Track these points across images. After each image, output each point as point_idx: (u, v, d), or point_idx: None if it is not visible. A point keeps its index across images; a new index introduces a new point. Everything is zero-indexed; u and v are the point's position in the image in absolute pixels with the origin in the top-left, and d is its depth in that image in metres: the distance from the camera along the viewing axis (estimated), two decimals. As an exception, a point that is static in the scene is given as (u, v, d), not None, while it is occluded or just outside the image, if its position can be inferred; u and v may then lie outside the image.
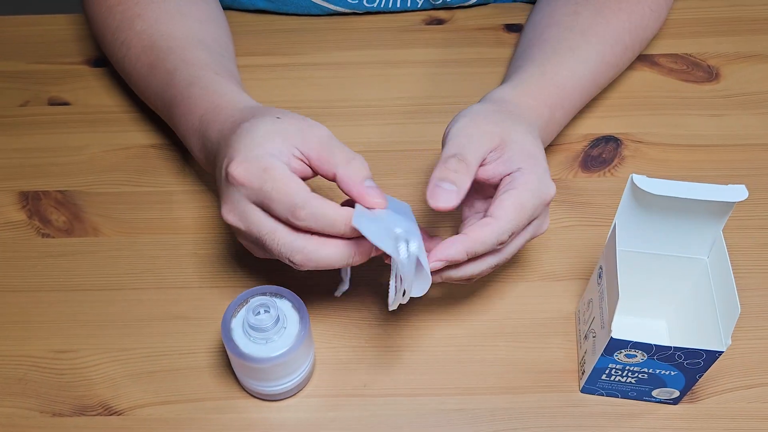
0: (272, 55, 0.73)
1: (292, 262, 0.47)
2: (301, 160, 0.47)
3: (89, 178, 0.64)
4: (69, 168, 0.65)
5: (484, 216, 0.48)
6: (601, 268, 0.51)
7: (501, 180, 0.50)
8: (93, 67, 0.73)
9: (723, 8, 0.77)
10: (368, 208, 0.47)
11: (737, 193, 0.47)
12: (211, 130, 0.52)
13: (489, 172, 0.50)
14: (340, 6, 0.74)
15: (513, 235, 0.48)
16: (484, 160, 0.50)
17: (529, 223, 0.50)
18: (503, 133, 0.51)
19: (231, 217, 0.48)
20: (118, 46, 0.63)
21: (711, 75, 0.71)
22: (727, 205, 0.47)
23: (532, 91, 0.58)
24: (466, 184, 0.48)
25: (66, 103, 0.70)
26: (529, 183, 0.49)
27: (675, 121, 0.68)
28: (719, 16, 0.76)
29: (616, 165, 0.65)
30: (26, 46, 0.74)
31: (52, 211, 0.62)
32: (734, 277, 0.47)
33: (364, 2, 0.74)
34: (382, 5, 0.75)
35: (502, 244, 0.48)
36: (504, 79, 0.62)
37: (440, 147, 0.67)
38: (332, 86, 0.71)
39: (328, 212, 0.45)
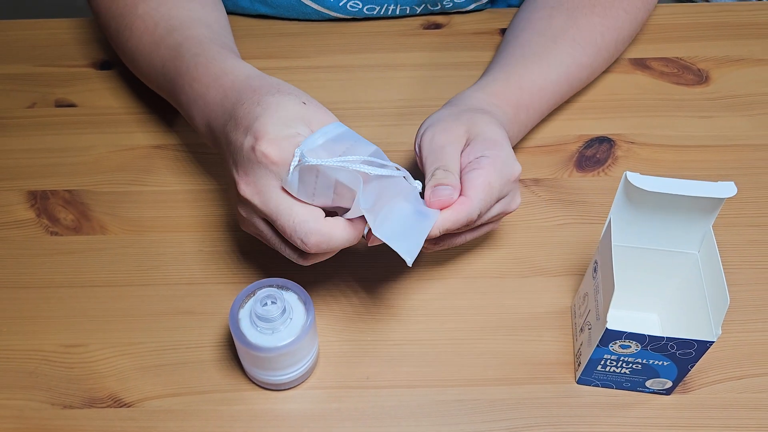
0: (275, 59, 0.75)
1: (304, 243, 0.47)
2: None
3: (96, 177, 0.66)
4: (76, 168, 0.67)
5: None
6: (596, 262, 0.53)
7: (467, 165, 0.53)
8: (99, 69, 0.74)
9: (711, 13, 0.79)
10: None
11: (726, 189, 0.49)
12: (225, 96, 0.53)
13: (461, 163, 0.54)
14: (340, 13, 0.76)
15: (481, 214, 0.52)
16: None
17: (497, 201, 0.54)
18: (468, 131, 0.55)
19: (248, 190, 0.48)
20: (121, 30, 0.64)
21: (701, 78, 0.74)
22: (717, 201, 0.49)
23: (496, 92, 0.61)
24: (457, 185, 0.52)
25: (72, 105, 0.71)
26: (496, 165, 0.52)
27: (666, 123, 0.70)
28: (708, 21, 0.78)
29: (609, 165, 0.67)
30: (33, 49, 0.76)
31: (60, 210, 0.64)
32: (724, 272, 0.49)
33: (364, 10, 0.76)
34: (381, 12, 0.77)
35: (472, 221, 0.52)
36: (476, 81, 0.64)
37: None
38: (334, 88, 0.73)
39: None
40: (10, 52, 0.76)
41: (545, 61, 0.64)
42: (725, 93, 0.72)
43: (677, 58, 0.75)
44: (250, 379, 0.54)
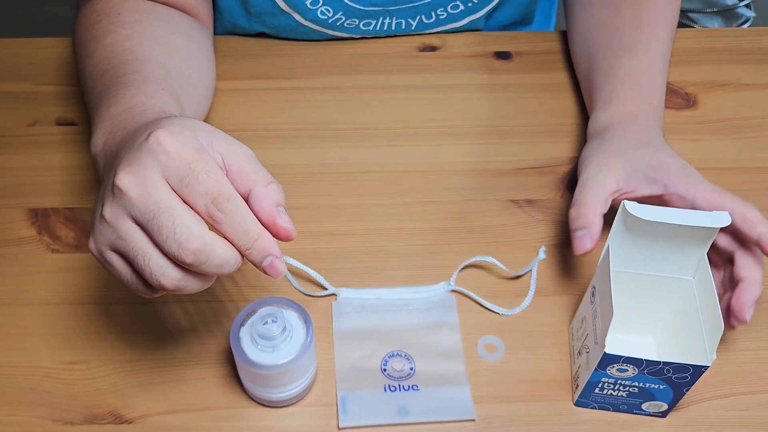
0: (272, 79, 0.76)
1: (181, 248, 0.40)
2: (221, 168, 0.43)
3: (96, 196, 0.67)
4: (77, 186, 0.67)
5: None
6: (594, 287, 0.54)
7: (664, 194, 0.57)
8: (99, 88, 0.75)
9: (699, 39, 0.81)
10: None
11: (720, 219, 0.50)
12: (133, 118, 0.50)
13: (645, 189, 0.57)
14: (337, 31, 0.78)
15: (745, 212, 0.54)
16: (622, 192, 0.57)
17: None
18: (624, 161, 0.58)
19: (128, 179, 0.41)
20: (83, 57, 0.62)
21: (689, 102, 0.76)
22: (711, 230, 0.51)
23: (625, 99, 0.64)
24: (594, 223, 0.56)
25: (73, 123, 0.72)
26: (692, 181, 0.57)
27: (655, 145, 0.72)
28: (696, 46, 0.81)
29: (600, 186, 0.68)
30: (34, 67, 0.77)
31: (61, 228, 0.64)
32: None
33: (360, 25, 0.77)
34: (378, 27, 0.78)
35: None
36: (591, 103, 0.68)
37: (431, 169, 0.71)
38: (330, 109, 0.74)
39: (248, 217, 0.42)
40: (11, 71, 0.76)
41: (641, 50, 0.67)
42: (712, 117, 0.74)
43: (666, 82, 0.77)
44: (250, 396, 0.55)
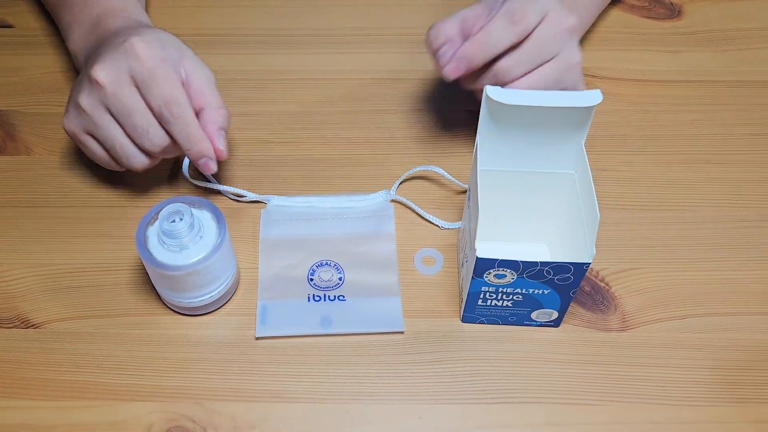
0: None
1: (152, 146, 0.50)
2: (182, 82, 0.50)
3: (25, 98, 0.63)
4: (5, 88, 0.64)
5: None
6: (469, 191, 0.49)
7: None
8: (39, -10, 0.71)
9: (690, -54, 0.75)
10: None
11: (592, 97, 0.44)
12: (111, 22, 0.54)
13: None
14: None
15: (493, 31, 0.48)
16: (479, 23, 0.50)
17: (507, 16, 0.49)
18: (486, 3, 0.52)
19: (104, 74, 0.48)
20: None
21: (673, 12, 0.69)
22: (586, 112, 0.45)
23: None
24: (454, 37, 0.50)
25: (9, 26, 0.68)
26: None
27: (632, 57, 0.66)
28: (686, -46, 0.74)
29: (566, 98, 0.63)
30: (-29, -33, 0.73)
31: (-15, 129, 0.61)
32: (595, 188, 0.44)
33: None
34: None
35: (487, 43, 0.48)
36: None
37: (384, 77, 0.66)
38: (282, 15, 0.69)
39: (193, 124, 0.49)
40: (-51, -29, 0.72)
41: None
42: (697, 28, 0.68)
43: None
44: (165, 304, 0.52)
